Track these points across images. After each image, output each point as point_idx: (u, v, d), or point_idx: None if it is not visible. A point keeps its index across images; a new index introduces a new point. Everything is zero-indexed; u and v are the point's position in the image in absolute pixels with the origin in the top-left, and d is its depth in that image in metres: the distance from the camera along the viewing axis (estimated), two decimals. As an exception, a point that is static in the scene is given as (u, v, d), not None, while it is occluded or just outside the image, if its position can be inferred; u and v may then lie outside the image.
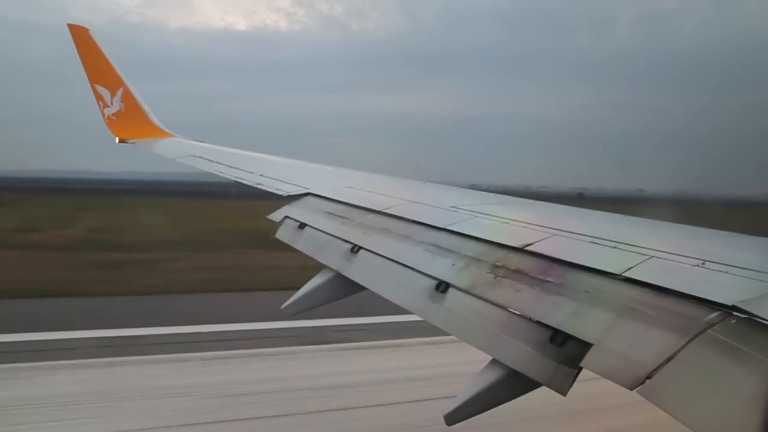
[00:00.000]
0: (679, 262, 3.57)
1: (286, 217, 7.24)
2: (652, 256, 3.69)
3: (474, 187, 6.69)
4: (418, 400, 13.05)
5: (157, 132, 14.95)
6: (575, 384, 3.14)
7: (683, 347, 2.73)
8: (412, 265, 4.77)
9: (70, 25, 14.55)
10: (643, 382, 2.69)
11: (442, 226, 5.21)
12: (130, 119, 14.94)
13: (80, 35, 14.56)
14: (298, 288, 5.73)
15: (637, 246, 3.93)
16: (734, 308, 2.82)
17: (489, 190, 7.48)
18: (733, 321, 2.77)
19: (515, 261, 4.15)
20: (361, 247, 5.54)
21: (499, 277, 4.05)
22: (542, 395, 3.53)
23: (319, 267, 5.78)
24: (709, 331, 2.76)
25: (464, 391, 3.67)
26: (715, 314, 2.85)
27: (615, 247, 4.01)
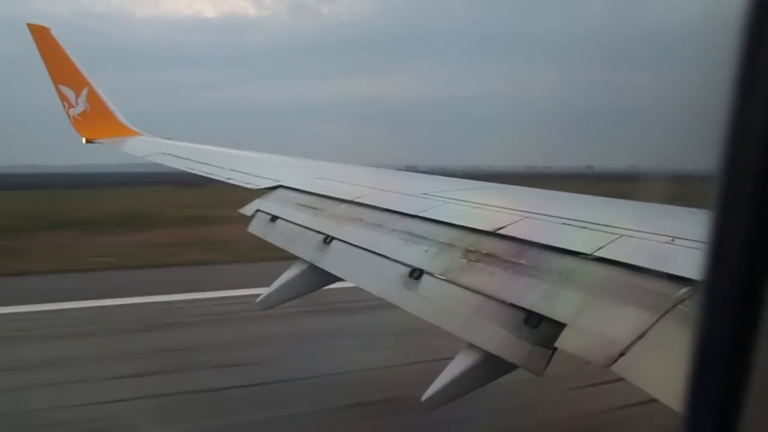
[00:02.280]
0: (649, 240, 3.58)
1: (258, 210, 7.17)
2: (621, 235, 3.70)
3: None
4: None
5: (124, 131, 14.71)
6: None
7: (654, 323, 2.74)
8: (385, 254, 4.75)
9: (30, 25, 14.21)
10: (617, 359, 2.70)
11: (414, 213, 5.20)
12: (97, 119, 14.67)
13: (41, 35, 14.22)
14: None
15: (607, 225, 3.94)
16: None
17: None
18: None
19: (487, 245, 4.15)
20: (333, 238, 5.50)
21: (472, 262, 4.04)
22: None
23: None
24: (679, 306, 2.77)
25: (441, 376, 3.67)
26: (685, 290, 2.86)
27: (585, 228, 4.02)
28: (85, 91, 14.63)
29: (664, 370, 2.57)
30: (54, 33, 14.27)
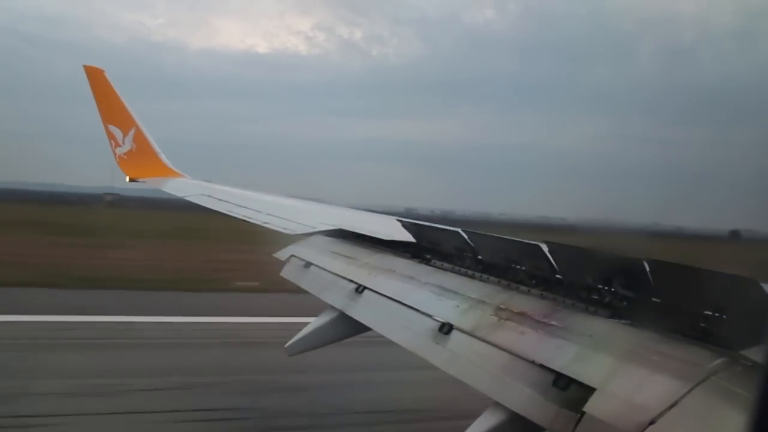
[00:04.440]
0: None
1: (292, 256, 7.27)
2: None
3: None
4: None
5: (167, 172, 15.14)
6: None
7: (686, 394, 2.69)
8: (416, 306, 4.76)
9: (86, 67, 14.90)
10: (646, 428, 2.65)
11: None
12: (141, 159, 15.16)
13: (95, 76, 14.89)
14: None
15: None
16: (740, 355, 2.79)
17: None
18: (739, 368, 2.74)
19: (519, 303, 4.14)
20: (365, 288, 5.54)
21: (502, 320, 4.03)
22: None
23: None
24: (713, 377, 2.73)
25: None
26: (719, 361, 2.82)
27: None
28: (132, 132, 15.16)
29: None
30: (111, 60, 14.97)
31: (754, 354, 2.71)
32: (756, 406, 1.24)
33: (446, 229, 5.68)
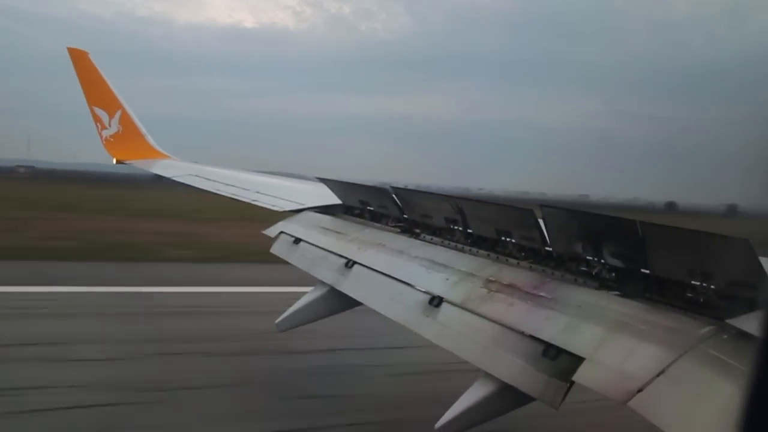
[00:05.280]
0: None
1: (282, 232, 7.25)
2: None
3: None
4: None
5: (153, 153, 14.97)
6: None
7: (674, 361, 2.71)
8: (406, 280, 4.76)
9: (69, 49, 14.64)
10: (635, 395, 2.67)
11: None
12: (128, 141, 14.97)
13: (79, 59, 14.64)
14: None
15: None
16: (726, 324, 2.80)
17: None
18: (725, 336, 2.75)
19: (508, 275, 4.14)
20: (355, 262, 5.53)
21: (492, 292, 4.03)
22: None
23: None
24: (701, 345, 2.74)
25: (456, 404, 3.65)
26: (707, 329, 2.83)
27: None
28: (118, 114, 14.96)
29: (682, 408, 2.54)
30: (97, 34, 14.76)
31: (741, 323, 2.71)
32: (752, 378, 1.23)
33: (431, 194, 5.60)
